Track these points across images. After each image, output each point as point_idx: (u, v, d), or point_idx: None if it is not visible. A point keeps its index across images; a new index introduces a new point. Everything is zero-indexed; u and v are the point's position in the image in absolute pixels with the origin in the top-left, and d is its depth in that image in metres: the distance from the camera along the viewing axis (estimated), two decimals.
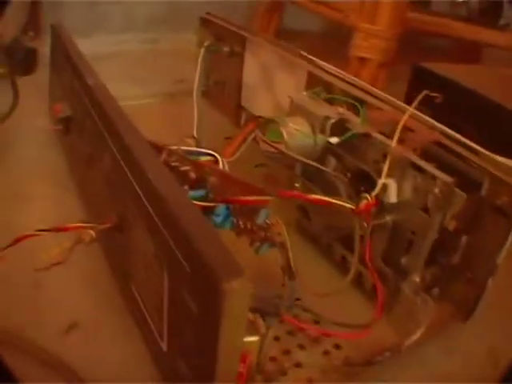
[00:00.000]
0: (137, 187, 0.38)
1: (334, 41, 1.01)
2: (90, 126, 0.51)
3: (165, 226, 0.34)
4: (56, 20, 0.88)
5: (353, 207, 0.45)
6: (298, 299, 0.50)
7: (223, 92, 0.79)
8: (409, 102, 0.51)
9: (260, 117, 0.57)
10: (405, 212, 0.48)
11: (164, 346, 0.39)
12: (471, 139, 0.69)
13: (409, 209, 0.48)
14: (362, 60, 0.82)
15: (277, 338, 0.47)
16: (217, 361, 0.32)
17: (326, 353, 0.47)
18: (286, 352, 0.46)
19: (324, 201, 0.44)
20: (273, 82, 0.68)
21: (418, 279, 0.49)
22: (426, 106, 0.52)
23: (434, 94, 0.52)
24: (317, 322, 0.49)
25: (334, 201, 0.44)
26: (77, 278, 0.51)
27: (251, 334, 0.38)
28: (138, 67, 0.99)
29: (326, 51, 1.06)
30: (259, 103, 0.72)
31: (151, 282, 0.39)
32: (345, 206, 0.45)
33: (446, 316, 0.52)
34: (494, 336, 0.52)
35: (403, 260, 0.50)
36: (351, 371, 0.45)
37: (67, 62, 0.60)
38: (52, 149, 0.70)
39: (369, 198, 0.45)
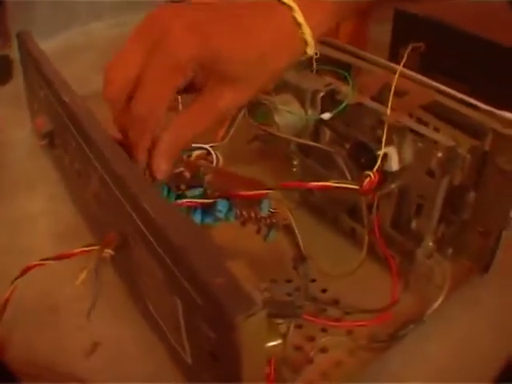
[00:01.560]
0: (133, 214, 0.37)
1: None
2: (73, 144, 0.49)
3: (169, 257, 0.33)
4: (22, 21, 0.86)
5: (357, 187, 0.43)
6: (313, 280, 0.49)
7: None
8: (394, 52, 0.50)
9: None
10: (409, 177, 0.47)
11: (189, 360, 0.39)
12: (464, 79, 0.68)
13: (412, 173, 0.46)
14: None
15: (299, 326, 0.46)
16: (242, 377, 0.31)
17: (349, 332, 0.46)
18: (311, 339, 0.46)
19: (327, 186, 0.43)
20: None
21: (431, 243, 0.48)
22: (415, 53, 0.50)
23: (418, 44, 0.50)
24: (336, 302, 0.48)
25: (337, 185, 0.43)
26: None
27: (274, 338, 0.37)
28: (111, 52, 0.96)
29: None
30: None
31: (165, 304, 0.38)
32: (349, 188, 0.43)
33: (463, 272, 0.51)
34: None
35: (413, 224, 0.49)
36: (377, 347, 0.45)
37: (39, 74, 0.58)
38: (41, 160, 0.68)
39: (371, 174, 0.43)
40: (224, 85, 0.42)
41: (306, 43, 0.42)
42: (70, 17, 1.03)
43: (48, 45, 0.86)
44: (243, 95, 0.43)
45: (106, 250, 0.41)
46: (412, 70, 0.65)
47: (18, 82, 0.77)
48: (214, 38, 0.40)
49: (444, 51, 0.72)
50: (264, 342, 0.31)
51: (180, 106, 0.50)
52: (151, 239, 0.35)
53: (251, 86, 0.43)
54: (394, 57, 0.73)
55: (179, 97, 0.49)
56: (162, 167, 0.44)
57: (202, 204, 0.46)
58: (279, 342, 0.37)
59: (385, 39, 0.78)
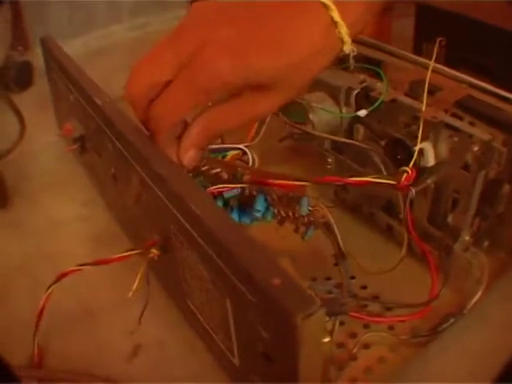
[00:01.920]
0: (178, 215, 0.37)
1: None
2: (110, 147, 0.49)
3: (219, 258, 0.34)
4: (41, 28, 0.86)
5: (394, 183, 0.43)
6: (352, 277, 0.49)
7: None
8: (418, 47, 0.50)
9: None
10: (445, 172, 0.47)
11: (236, 361, 0.39)
12: (488, 72, 0.68)
13: (448, 168, 0.46)
14: None
15: (341, 323, 0.46)
16: (298, 377, 0.31)
17: (390, 328, 0.46)
18: (353, 335, 0.46)
19: (365, 181, 0.43)
20: None
21: (467, 237, 0.48)
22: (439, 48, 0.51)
23: (442, 39, 0.51)
24: (376, 298, 0.48)
25: (375, 180, 0.43)
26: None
27: (324, 336, 0.37)
28: (135, 55, 0.97)
29: None
30: None
31: (212, 304, 0.38)
32: (387, 183, 0.43)
33: (500, 265, 0.51)
34: None
35: (450, 219, 0.49)
36: (418, 342, 0.45)
37: (67, 78, 0.58)
38: (71, 165, 0.69)
39: (408, 170, 0.43)
40: (259, 93, 0.42)
41: (342, 42, 0.42)
42: (88, 20, 1.03)
43: (67, 49, 0.87)
44: (279, 102, 0.43)
45: (152, 251, 0.42)
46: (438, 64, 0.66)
47: (39, 87, 0.78)
48: (249, 58, 0.40)
49: (467, 44, 0.72)
50: (321, 341, 0.31)
51: None
52: (199, 240, 0.35)
53: (288, 92, 0.42)
54: (418, 51, 0.74)
55: None
56: (189, 153, 0.43)
57: (242, 203, 0.47)
58: (328, 339, 0.37)
59: (407, 34, 0.78)
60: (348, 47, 0.42)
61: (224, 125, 0.44)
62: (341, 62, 0.52)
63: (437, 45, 0.50)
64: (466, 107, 0.47)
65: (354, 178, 0.44)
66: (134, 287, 0.40)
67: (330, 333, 0.38)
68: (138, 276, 0.40)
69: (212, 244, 0.34)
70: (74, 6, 1.01)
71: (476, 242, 0.50)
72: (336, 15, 0.40)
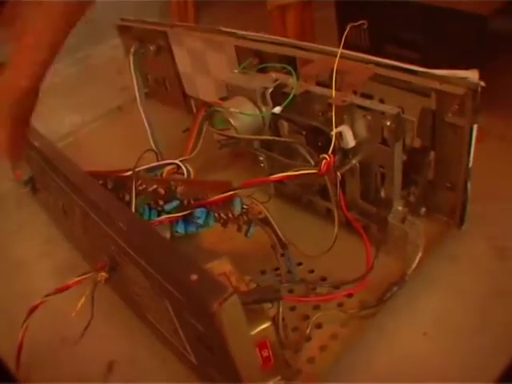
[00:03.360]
0: (113, 234, 0.40)
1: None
2: (53, 184, 0.52)
3: (149, 265, 0.36)
4: None
5: (315, 171, 0.46)
6: (299, 264, 0.52)
7: (166, 87, 0.80)
8: (342, 33, 0.52)
9: (205, 102, 0.58)
10: (366, 150, 0.49)
11: (193, 359, 0.41)
12: (418, 46, 0.71)
13: (369, 146, 0.49)
14: (283, 8, 0.81)
15: (293, 308, 0.49)
16: (235, 363, 0.34)
17: (339, 305, 0.49)
18: (305, 317, 0.48)
19: (287, 176, 0.46)
20: (207, 65, 0.69)
21: (400, 207, 0.51)
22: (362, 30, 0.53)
23: (359, 23, 0.53)
24: (324, 280, 0.51)
25: (297, 173, 0.46)
26: (98, 320, 0.52)
27: (263, 322, 0.40)
28: (78, 90, 0.99)
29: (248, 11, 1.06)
30: (202, 88, 0.73)
31: (160, 310, 0.40)
32: (309, 173, 0.46)
33: (441, 228, 0.54)
34: (491, 230, 0.54)
35: (382, 193, 0.51)
36: (368, 314, 0.48)
37: None
38: (29, 205, 0.71)
39: (327, 156, 0.46)
40: None
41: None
42: None
43: None
44: None
45: (101, 274, 0.44)
46: (363, 47, 0.68)
47: None
48: None
49: (391, 22, 0.75)
50: (244, 324, 0.33)
51: None
52: (132, 253, 0.38)
53: None
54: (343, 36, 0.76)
55: None
56: None
57: (182, 216, 0.49)
58: (268, 324, 0.40)
59: (333, 20, 0.81)
60: None
61: None
62: (255, 65, 0.55)
63: (346, 31, 0.52)
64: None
65: (276, 176, 0.46)
66: (78, 307, 0.42)
67: (273, 318, 0.41)
68: (82, 298, 0.42)
69: (142, 254, 0.37)
70: None
71: (414, 211, 0.52)
72: None
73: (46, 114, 0.88)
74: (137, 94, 0.65)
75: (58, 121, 0.78)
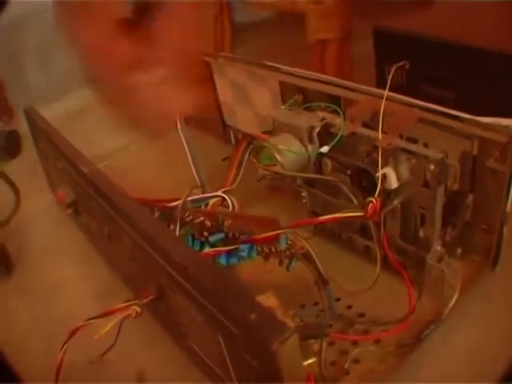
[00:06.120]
0: (167, 267, 0.41)
1: (287, 28, 1.02)
2: (99, 210, 0.53)
3: (206, 300, 0.38)
4: (22, 96, 0.90)
5: (362, 214, 0.47)
6: (338, 299, 0.53)
7: (206, 116, 0.82)
8: (380, 69, 0.53)
9: (248, 134, 0.60)
10: (408, 191, 0.51)
11: None
12: (451, 87, 0.72)
13: (411, 187, 0.50)
14: (323, 42, 0.83)
15: (332, 343, 0.50)
16: None
17: (376, 341, 0.50)
18: (343, 352, 0.49)
19: (335, 218, 0.47)
20: (249, 97, 0.71)
21: (438, 247, 0.52)
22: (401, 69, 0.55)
23: (401, 63, 0.54)
24: (362, 316, 0.52)
25: (344, 215, 0.47)
26: (137, 345, 0.54)
27: (309, 357, 0.41)
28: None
29: (285, 42, 1.08)
30: (242, 119, 0.74)
31: (208, 342, 0.42)
32: (354, 216, 0.47)
33: (475, 269, 0.55)
34: None
35: (421, 233, 0.53)
36: (404, 352, 0.49)
37: (53, 148, 0.62)
38: (69, 227, 0.72)
39: (373, 200, 0.47)
40: None
41: None
42: (64, 81, 1.07)
43: (49, 113, 0.91)
44: None
45: (133, 307, 0.45)
46: (400, 85, 0.70)
47: (28, 154, 0.82)
48: None
49: (428, 62, 0.76)
50: (300, 361, 0.35)
51: None
52: (187, 286, 0.39)
53: None
54: (382, 73, 0.78)
55: None
56: None
57: (227, 249, 0.51)
58: (314, 359, 0.41)
59: (370, 54, 0.82)
60: None
61: None
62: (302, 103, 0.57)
63: (391, 72, 0.53)
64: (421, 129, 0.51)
65: (325, 217, 0.48)
66: (103, 332, 0.43)
67: (318, 353, 0.42)
68: (108, 326, 0.44)
69: (198, 288, 0.38)
70: (49, 69, 1.05)
71: (450, 251, 0.54)
72: None
73: (80, 135, 0.90)
74: (179, 127, 0.67)
75: (92, 142, 0.80)
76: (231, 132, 0.79)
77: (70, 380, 0.50)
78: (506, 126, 0.48)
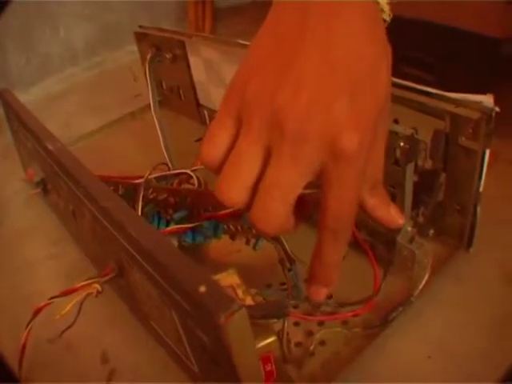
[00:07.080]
0: (123, 242, 0.40)
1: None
2: (64, 188, 0.52)
3: (158, 275, 0.36)
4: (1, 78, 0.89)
5: None
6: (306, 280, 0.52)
7: (179, 96, 0.81)
8: None
9: None
10: None
11: (195, 368, 0.41)
12: (432, 67, 0.71)
13: None
14: None
15: (297, 324, 0.49)
16: (239, 376, 0.34)
17: (344, 323, 0.49)
18: (309, 333, 0.48)
19: None
20: (223, 76, 0.69)
21: (409, 228, 0.51)
22: None
23: None
24: (329, 298, 0.51)
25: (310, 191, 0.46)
26: (101, 325, 0.53)
27: (268, 336, 0.40)
28: (91, 94, 1.00)
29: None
30: (217, 99, 0.73)
31: (165, 319, 0.40)
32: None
33: (448, 250, 0.54)
34: (499, 254, 0.54)
35: None
36: (371, 333, 0.48)
37: (24, 128, 0.61)
38: (39, 207, 0.71)
39: None
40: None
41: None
42: (44, 65, 1.06)
43: (28, 96, 0.91)
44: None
45: (94, 285, 0.44)
46: None
47: (2, 136, 0.81)
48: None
49: (407, 43, 0.75)
50: (251, 338, 0.34)
51: None
52: (142, 261, 0.38)
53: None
54: None
55: None
56: None
57: (191, 227, 0.49)
58: (273, 339, 0.40)
59: None
60: (387, 15, 0.40)
61: None
62: None
63: None
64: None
65: None
66: (64, 312, 0.42)
67: (279, 333, 0.41)
68: (68, 306, 0.43)
69: (151, 263, 0.37)
70: (30, 52, 1.04)
71: (422, 232, 0.52)
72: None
73: (58, 117, 0.90)
74: (151, 101, 0.66)
75: (70, 124, 0.79)
76: (205, 112, 0.77)
77: (34, 360, 0.50)
78: (479, 102, 0.47)
